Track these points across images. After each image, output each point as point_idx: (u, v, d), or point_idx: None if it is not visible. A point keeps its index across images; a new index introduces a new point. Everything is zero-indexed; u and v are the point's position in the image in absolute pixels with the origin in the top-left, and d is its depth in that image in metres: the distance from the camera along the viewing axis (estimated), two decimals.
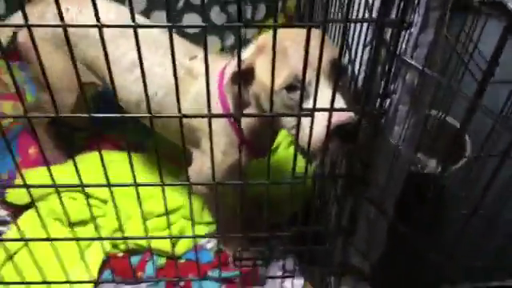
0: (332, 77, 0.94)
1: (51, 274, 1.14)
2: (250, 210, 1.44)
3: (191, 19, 2.02)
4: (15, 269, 1.15)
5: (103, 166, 0.89)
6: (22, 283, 1.12)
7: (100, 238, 1.06)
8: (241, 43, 0.74)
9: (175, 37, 1.36)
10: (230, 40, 2.16)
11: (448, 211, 1.49)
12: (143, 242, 1.42)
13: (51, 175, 0.91)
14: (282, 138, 1.75)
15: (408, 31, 0.87)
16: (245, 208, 1.17)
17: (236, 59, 1.09)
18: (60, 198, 0.96)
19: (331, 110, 0.80)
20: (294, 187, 0.91)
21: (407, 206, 1.20)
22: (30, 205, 1.57)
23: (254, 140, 1.19)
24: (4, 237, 1.46)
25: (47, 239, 1.03)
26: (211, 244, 1.49)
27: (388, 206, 1.17)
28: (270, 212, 1.45)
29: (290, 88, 0.95)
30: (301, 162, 0.94)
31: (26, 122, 1.71)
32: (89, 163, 1.56)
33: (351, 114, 0.90)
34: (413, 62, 0.89)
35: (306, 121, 0.89)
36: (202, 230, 1.53)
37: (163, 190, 0.96)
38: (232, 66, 1.12)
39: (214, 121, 1.19)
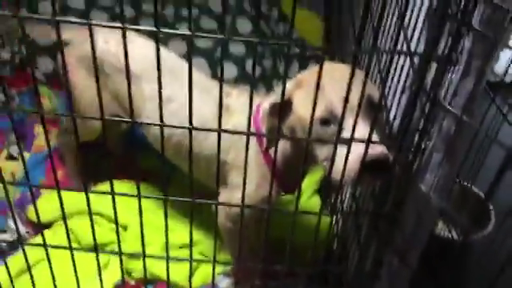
0: (368, 114, 0.97)
1: None
2: (271, 255, 1.42)
3: (228, 68, 2.09)
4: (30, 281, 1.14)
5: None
6: None
7: (122, 253, 1.05)
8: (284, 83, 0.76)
9: (205, 76, 1.42)
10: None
11: (471, 275, 1.45)
12: (158, 271, 1.41)
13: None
14: (306, 186, 1.75)
15: (449, 77, 0.90)
16: (265, 251, 1.16)
17: (272, 96, 1.13)
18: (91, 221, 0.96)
19: (368, 141, 0.81)
20: (318, 231, 0.91)
21: (430, 263, 1.18)
22: (49, 225, 1.58)
23: (285, 173, 1.20)
24: (20, 253, 1.46)
25: (68, 248, 1.03)
26: (224, 284, 1.46)
27: (412, 258, 1.15)
28: (291, 259, 1.43)
29: (324, 122, 0.99)
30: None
31: (58, 145, 1.76)
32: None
33: (384, 148, 0.92)
34: (451, 109, 0.91)
35: (339, 152, 0.91)
36: (217, 268, 1.50)
37: (191, 211, 0.95)
38: (269, 101, 1.15)
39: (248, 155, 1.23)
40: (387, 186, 0.94)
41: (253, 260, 1.17)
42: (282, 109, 1.04)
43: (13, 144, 1.81)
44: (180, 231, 1.54)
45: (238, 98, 1.29)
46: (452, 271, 1.16)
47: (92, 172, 1.76)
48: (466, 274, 1.40)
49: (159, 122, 1.32)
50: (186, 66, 1.41)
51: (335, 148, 0.81)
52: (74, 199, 1.54)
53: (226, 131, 0.80)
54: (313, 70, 1.13)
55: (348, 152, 0.82)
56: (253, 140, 1.19)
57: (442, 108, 0.93)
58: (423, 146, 0.87)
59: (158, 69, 0.74)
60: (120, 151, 1.86)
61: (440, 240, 1.57)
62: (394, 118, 1.06)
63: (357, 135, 0.86)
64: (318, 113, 0.98)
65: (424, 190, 1.02)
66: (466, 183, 1.55)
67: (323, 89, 0.99)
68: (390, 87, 1.10)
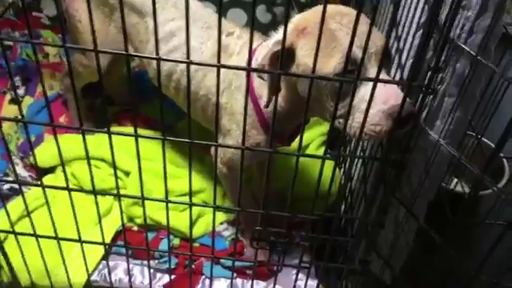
0: (386, 62, 0.90)
1: (64, 233, 1.12)
2: (273, 206, 1.40)
3: (236, 14, 2.02)
4: (30, 224, 1.13)
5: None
6: (33, 235, 1.10)
7: (120, 195, 1.03)
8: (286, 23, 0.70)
9: (212, 12, 1.35)
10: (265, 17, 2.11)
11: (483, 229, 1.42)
12: (161, 218, 1.39)
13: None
14: (313, 137, 1.71)
15: (465, 14, 0.84)
16: (267, 202, 1.13)
17: (270, 40, 1.04)
18: (89, 164, 0.92)
19: (376, 80, 0.75)
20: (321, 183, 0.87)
21: (438, 216, 1.14)
22: (52, 169, 1.57)
23: (278, 126, 1.14)
24: (20, 198, 1.46)
25: (67, 188, 1.01)
26: (228, 232, 1.45)
27: (419, 210, 1.11)
28: (293, 210, 1.41)
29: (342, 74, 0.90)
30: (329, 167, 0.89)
31: (63, 89, 1.73)
32: (116, 137, 1.55)
33: (402, 96, 0.86)
34: (466, 48, 0.85)
35: (359, 106, 0.86)
36: (221, 217, 1.49)
37: (190, 150, 0.91)
38: (265, 47, 1.05)
39: (238, 99, 1.18)
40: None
41: (254, 207, 1.14)
42: (283, 58, 0.98)
43: (16, 88, 1.78)
44: (183, 179, 1.51)
45: (238, 39, 1.22)
46: (462, 226, 1.11)
47: (96, 118, 1.74)
48: (475, 229, 1.37)
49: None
50: (192, 0, 1.34)
51: (369, 101, 0.74)
52: (76, 144, 1.53)
53: (225, 66, 0.74)
54: (313, 12, 0.99)
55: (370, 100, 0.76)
56: (243, 87, 1.13)
57: (455, 47, 0.87)
58: (434, 88, 0.81)
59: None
60: (124, 98, 1.82)
61: (451, 194, 1.53)
62: (406, 60, 1.00)
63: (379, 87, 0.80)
64: (336, 65, 0.88)
65: (434, 137, 0.97)
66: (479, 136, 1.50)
67: (335, 37, 0.89)
68: (403, 26, 1.03)
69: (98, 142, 1.60)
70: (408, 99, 0.82)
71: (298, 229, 1.44)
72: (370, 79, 0.78)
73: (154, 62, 1.29)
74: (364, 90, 0.87)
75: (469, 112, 0.95)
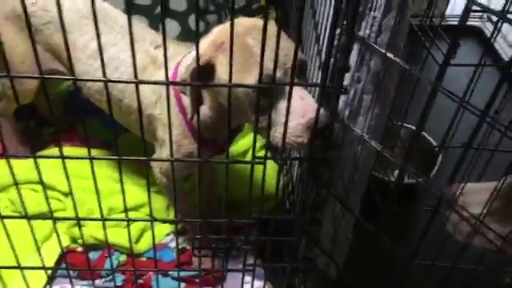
0: (300, 73, 0.95)
1: (6, 261, 1.10)
2: (217, 212, 1.41)
3: (170, 25, 2.02)
4: None
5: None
6: None
7: (55, 218, 1.02)
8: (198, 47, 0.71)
9: (143, 26, 1.36)
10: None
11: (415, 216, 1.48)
12: (104, 237, 1.38)
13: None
14: (250, 144, 1.73)
15: (372, 14, 0.88)
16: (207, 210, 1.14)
17: (189, 56, 1.06)
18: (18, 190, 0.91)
19: (291, 84, 0.77)
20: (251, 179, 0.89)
21: (373, 206, 1.19)
22: None
23: (209, 134, 1.17)
24: None
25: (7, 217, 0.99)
26: (175, 243, 1.45)
27: (353, 203, 1.15)
28: (232, 214, 1.43)
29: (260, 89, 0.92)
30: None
31: None
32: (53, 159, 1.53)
33: (323, 110, 0.90)
34: (376, 46, 0.89)
35: (279, 119, 0.90)
36: (166, 229, 1.49)
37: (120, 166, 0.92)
38: (188, 59, 1.08)
39: (166, 111, 1.19)
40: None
41: (194, 214, 1.15)
42: (202, 73, 0.99)
43: None
44: (126, 194, 1.50)
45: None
46: (392, 213, 1.17)
47: (32, 141, 1.71)
48: (409, 215, 1.43)
49: (87, 75, 1.30)
50: (120, 15, 1.35)
51: (287, 117, 0.76)
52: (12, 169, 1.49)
53: (144, 82, 0.75)
54: (226, 29, 1.01)
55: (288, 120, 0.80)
56: (173, 100, 1.15)
57: (367, 47, 0.91)
58: (346, 87, 0.85)
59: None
60: (60, 116, 1.79)
61: (383, 183, 1.60)
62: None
63: (295, 101, 0.85)
64: (256, 80, 0.86)
65: (357, 132, 1.01)
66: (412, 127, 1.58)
67: (252, 53, 0.92)
68: (322, 26, 1.07)
69: (33, 164, 1.56)
70: (323, 111, 0.87)
71: (243, 232, 1.46)
72: (285, 84, 0.81)
73: (87, 77, 1.30)
74: (283, 104, 0.91)
75: (386, 107, 1.00)
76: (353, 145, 1.06)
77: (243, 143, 1.73)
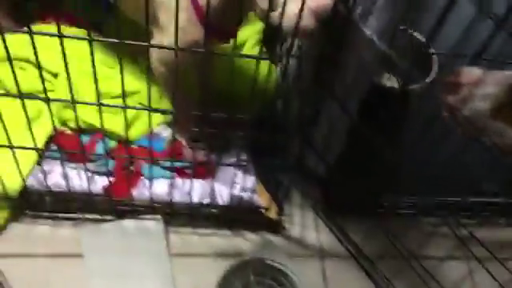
0: None
1: None
2: (211, 105, 1.39)
3: None
4: None
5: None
6: None
7: (49, 99, 0.99)
8: None
9: None
10: None
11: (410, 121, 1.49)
12: (94, 121, 1.36)
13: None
14: (249, 36, 1.67)
15: None
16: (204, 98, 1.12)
17: None
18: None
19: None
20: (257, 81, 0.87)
21: (370, 110, 1.19)
22: None
23: (216, 20, 1.11)
24: None
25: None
26: (166, 133, 1.44)
27: (351, 105, 1.15)
28: (232, 109, 1.41)
29: None
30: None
31: None
32: (42, 36, 1.45)
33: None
34: None
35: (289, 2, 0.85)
36: (158, 118, 1.47)
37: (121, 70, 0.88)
38: None
39: None
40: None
41: (191, 107, 1.13)
42: None
43: None
44: (114, 80, 1.46)
45: None
46: (391, 119, 1.17)
47: (18, 15, 1.61)
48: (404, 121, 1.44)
49: None
50: None
51: None
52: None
53: None
54: None
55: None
56: None
57: None
58: None
59: None
60: None
61: (382, 89, 1.58)
62: None
63: None
64: None
65: (367, 33, 0.98)
66: (411, 31, 1.54)
67: None
68: None
69: (21, 41, 1.49)
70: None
71: (238, 127, 1.46)
72: None
73: None
74: None
75: (399, 10, 0.96)
76: (359, 45, 1.03)
77: (239, 36, 1.67)
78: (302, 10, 0.78)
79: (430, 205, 1.41)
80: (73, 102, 1.01)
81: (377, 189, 1.26)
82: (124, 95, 1.01)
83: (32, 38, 0.85)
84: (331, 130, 1.17)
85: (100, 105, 1.01)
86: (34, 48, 0.88)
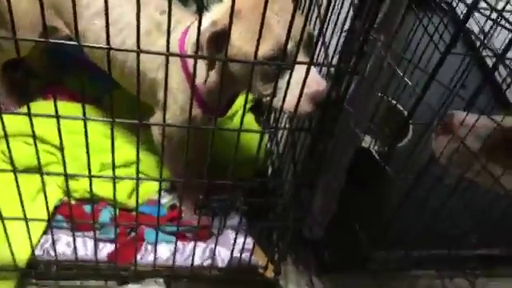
0: (309, 48, 1.02)
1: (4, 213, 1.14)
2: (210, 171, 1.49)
3: None
4: None
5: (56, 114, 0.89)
6: None
7: (64, 174, 1.06)
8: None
9: None
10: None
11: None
12: (99, 190, 1.43)
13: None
14: (239, 107, 1.80)
15: None
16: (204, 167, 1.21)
17: (205, 19, 1.09)
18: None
19: (310, 64, 0.86)
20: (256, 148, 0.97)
21: (357, 172, 1.30)
22: None
23: (211, 100, 1.22)
24: None
25: (13, 170, 1.03)
26: (165, 199, 1.52)
27: (341, 174, 1.25)
28: (219, 175, 1.51)
29: (271, 59, 0.99)
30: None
31: None
32: (43, 111, 1.54)
33: (325, 84, 0.99)
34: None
35: (283, 87, 0.95)
36: (157, 186, 1.55)
37: (138, 132, 0.97)
38: (195, 28, 1.12)
39: (172, 77, 1.24)
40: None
41: (193, 176, 1.22)
42: (219, 39, 1.04)
43: None
44: (119, 150, 1.55)
45: (172, 16, 1.26)
46: (375, 179, 1.28)
47: (19, 91, 1.70)
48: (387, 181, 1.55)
49: (90, 33, 1.30)
50: None
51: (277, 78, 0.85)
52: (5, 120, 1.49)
53: (145, 52, 0.82)
54: None
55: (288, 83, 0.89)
56: (178, 63, 1.19)
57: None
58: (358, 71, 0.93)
59: None
60: (46, 69, 1.79)
61: (366, 152, 1.71)
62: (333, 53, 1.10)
63: (301, 72, 0.89)
64: (267, 50, 0.98)
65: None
66: (392, 100, 1.70)
67: (268, 23, 0.98)
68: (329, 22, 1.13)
69: (23, 117, 1.57)
70: (325, 84, 0.96)
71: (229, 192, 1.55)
72: (304, 63, 0.88)
73: (90, 37, 1.31)
74: (293, 74, 0.97)
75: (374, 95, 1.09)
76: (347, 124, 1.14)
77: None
78: (300, 97, 0.89)
79: (422, 258, 1.49)
80: (65, 175, 1.08)
81: (368, 245, 1.35)
82: (114, 166, 1.09)
83: (30, 119, 0.92)
84: (325, 193, 1.26)
85: (91, 177, 1.08)
86: (32, 127, 0.96)
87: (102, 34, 1.31)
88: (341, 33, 1.01)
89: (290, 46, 0.96)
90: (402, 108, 1.84)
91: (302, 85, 0.87)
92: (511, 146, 0.97)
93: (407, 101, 1.51)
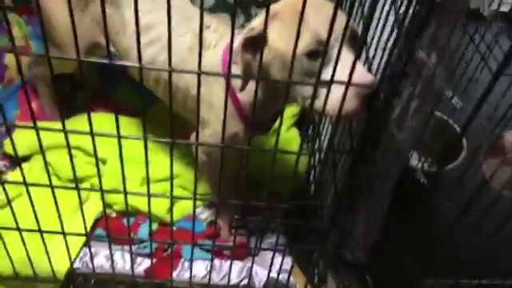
0: (352, 44, 0.94)
1: (44, 223, 1.15)
2: (248, 188, 1.45)
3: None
4: (12, 216, 1.15)
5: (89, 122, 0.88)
6: (17, 229, 1.13)
7: (100, 190, 1.06)
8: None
9: (190, 4, 1.37)
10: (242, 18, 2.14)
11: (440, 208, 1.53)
12: (138, 204, 1.44)
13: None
14: (285, 118, 1.76)
15: None
16: (243, 185, 1.19)
17: (243, 33, 1.07)
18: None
19: (348, 84, 0.79)
20: (296, 166, 0.92)
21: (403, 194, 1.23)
22: (26, 158, 1.57)
23: (256, 114, 1.19)
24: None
25: (48, 185, 1.04)
26: (204, 215, 1.51)
27: (387, 190, 1.19)
28: (268, 195, 1.47)
29: (311, 54, 0.92)
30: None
31: (30, 76, 1.71)
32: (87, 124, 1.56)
33: (372, 77, 0.89)
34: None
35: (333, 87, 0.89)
36: (197, 201, 1.54)
37: (171, 149, 0.96)
38: (239, 39, 1.07)
39: (215, 93, 1.22)
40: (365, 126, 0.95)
41: (231, 195, 1.19)
42: (255, 44, 1.01)
43: None
44: (158, 164, 1.55)
45: (214, 32, 1.25)
46: (423, 203, 1.21)
47: (66, 104, 1.74)
48: (436, 205, 1.47)
49: (132, 50, 1.31)
50: None
51: (315, 88, 0.79)
52: (51, 132, 1.53)
53: (177, 71, 0.78)
54: (283, 2, 1.01)
55: (328, 91, 0.79)
56: (220, 79, 1.17)
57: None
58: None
59: None
60: (95, 82, 1.83)
61: (413, 171, 1.63)
62: (373, 57, 1.05)
63: (344, 67, 0.81)
64: (305, 44, 0.91)
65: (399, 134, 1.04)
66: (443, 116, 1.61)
67: (304, 18, 0.93)
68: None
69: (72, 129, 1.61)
70: (372, 77, 0.87)
71: (270, 210, 1.51)
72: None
73: (134, 54, 1.32)
74: (337, 70, 0.90)
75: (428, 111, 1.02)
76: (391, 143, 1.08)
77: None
78: (345, 93, 0.79)
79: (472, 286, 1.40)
80: (101, 191, 1.08)
81: (415, 272, 1.27)
82: (149, 183, 1.08)
83: (66, 135, 0.92)
84: (367, 218, 1.21)
85: (126, 193, 1.07)
86: (68, 142, 0.94)
87: (144, 51, 1.31)
88: (384, 50, 0.95)
89: (331, 38, 0.89)
90: (453, 123, 1.74)
91: (349, 79, 0.76)
92: None
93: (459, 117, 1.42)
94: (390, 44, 0.92)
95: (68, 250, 1.21)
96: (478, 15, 1.43)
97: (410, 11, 0.87)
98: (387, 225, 1.25)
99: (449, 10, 0.86)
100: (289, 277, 1.34)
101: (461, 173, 1.46)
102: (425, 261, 1.26)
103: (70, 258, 1.24)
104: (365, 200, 1.13)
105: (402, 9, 0.87)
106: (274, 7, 1.00)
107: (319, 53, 0.92)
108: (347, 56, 0.90)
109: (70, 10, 0.72)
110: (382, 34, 1.02)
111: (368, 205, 1.16)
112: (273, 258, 1.23)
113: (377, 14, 1.06)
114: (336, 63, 0.75)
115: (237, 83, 1.15)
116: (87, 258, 1.35)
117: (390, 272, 1.36)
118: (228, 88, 0.84)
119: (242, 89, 1.04)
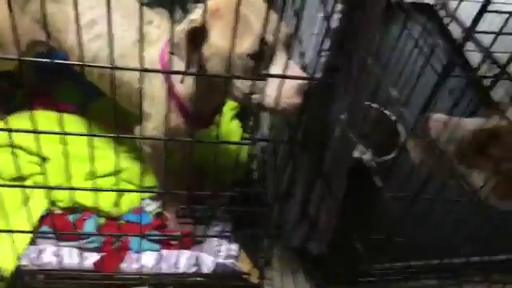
0: (288, 44, 1.01)
1: None
2: (193, 178, 1.50)
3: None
4: None
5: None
6: None
7: (47, 187, 1.08)
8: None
9: (136, 2, 1.39)
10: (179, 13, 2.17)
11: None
12: (83, 200, 1.45)
13: None
14: (226, 111, 1.81)
15: None
16: (187, 176, 1.23)
17: (182, 25, 1.07)
18: None
19: (283, 76, 0.87)
20: (238, 155, 0.98)
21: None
22: None
23: (194, 109, 1.23)
24: None
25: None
26: (151, 207, 1.54)
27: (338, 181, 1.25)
28: (207, 182, 1.52)
29: (253, 54, 0.98)
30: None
31: None
32: (28, 121, 1.55)
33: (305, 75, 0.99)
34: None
35: (271, 83, 0.97)
36: (142, 194, 1.57)
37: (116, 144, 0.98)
38: (182, 31, 1.07)
39: (157, 87, 1.25)
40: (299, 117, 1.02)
41: (177, 185, 1.23)
42: (197, 37, 1.05)
43: None
44: (104, 160, 1.56)
45: (157, 28, 1.28)
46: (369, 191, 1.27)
47: (5, 101, 1.71)
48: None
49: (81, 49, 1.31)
50: None
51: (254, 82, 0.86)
52: None
53: (119, 68, 0.82)
54: None
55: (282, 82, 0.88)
56: (161, 77, 1.20)
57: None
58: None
59: None
60: (34, 79, 1.80)
61: (358, 161, 1.72)
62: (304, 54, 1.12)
63: (281, 67, 0.93)
64: (249, 45, 0.97)
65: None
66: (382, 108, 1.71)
67: (247, 20, 0.98)
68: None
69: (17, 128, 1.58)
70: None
71: (215, 199, 1.57)
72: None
73: (75, 52, 1.32)
74: (274, 69, 0.99)
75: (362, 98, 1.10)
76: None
77: None
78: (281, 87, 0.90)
79: (419, 268, 1.49)
80: (48, 188, 1.09)
81: (368, 259, 1.33)
82: (94, 177, 1.10)
83: (10, 134, 0.93)
84: (327, 208, 1.25)
85: (71, 189, 1.09)
86: (11, 141, 0.96)
87: (89, 45, 1.32)
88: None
89: (270, 38, 0.96)
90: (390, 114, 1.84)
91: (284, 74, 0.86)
92: (480, 147, 0.98)
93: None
94: (320, 39, 0.99)
95: (15, 247, 1.22)
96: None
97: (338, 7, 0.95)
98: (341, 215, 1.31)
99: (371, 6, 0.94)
100: (235, 262, 1.41)
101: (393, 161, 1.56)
102: (375, 248, 1.33)
103: (17, 256, 1.24)
104: (316, 187, 1.19)
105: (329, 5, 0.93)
106: (212, 4, 1.03)
107: (261, 53, 0.98)
108: (282, 57, 0.99)
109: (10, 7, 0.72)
110: (314, 29, 1.09)
111: (320, 192, 1.21)
112: (219, 245, 1.29)
113: (308, 12, 1.12)
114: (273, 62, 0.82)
115: (176, 77, 1.18)
116: (34, 256, 1.35)
117: (345, 259, 1.44)
118: (168, 83, 0.88)
119: (182, 80, 1.08)
